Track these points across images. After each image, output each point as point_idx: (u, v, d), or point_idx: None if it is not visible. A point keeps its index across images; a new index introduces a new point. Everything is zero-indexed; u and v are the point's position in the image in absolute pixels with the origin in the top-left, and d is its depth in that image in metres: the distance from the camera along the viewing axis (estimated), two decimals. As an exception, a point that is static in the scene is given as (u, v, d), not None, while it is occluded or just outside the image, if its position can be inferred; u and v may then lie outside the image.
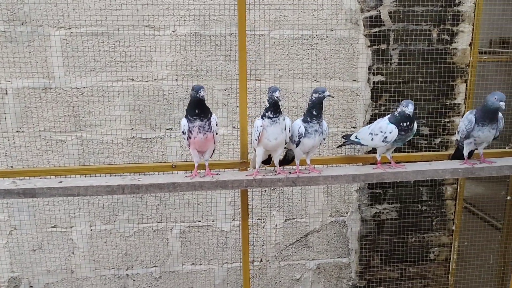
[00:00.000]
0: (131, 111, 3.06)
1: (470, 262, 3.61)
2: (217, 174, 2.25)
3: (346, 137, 2.47)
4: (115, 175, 2.50)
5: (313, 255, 3.47)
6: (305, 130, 2.12)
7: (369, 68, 3.20)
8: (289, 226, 3.39)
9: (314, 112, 2.11)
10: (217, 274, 3.41)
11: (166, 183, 2.14)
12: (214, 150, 2.24)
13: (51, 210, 3.14)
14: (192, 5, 2.96)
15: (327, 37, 3.12)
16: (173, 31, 3.00)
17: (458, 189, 3.44)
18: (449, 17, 3.19)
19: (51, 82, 2.96)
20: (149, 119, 3.08)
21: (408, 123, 2.16)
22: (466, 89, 3.29)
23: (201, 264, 3.38)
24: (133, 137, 3.10)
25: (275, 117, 2.06)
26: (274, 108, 2.05)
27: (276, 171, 2.24)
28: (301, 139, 2.13)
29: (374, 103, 3.25)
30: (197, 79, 3.06)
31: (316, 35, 3.11)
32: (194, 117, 2.07)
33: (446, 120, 3.34)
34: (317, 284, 3.52)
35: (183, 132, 2.12)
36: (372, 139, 2.24)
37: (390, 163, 2.32)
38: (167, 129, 3.12)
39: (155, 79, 3.04)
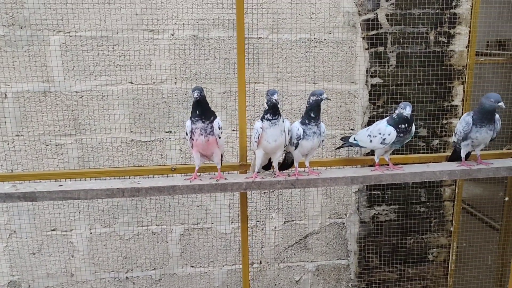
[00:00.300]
0: (130, 114, 3.07)
1: (469, 263, 3.62)
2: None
3: (345, 139, 2.48)
4: (114, 178, 2.50)
5: (312, 257, 3.47)
6: (304, 132, 2.13)
7: (367, 71, 3.22)
8: (288, 228, 3.39)
9: (312, 115, 2.13)
10: (216, 277, 3.41)
11: (166, 186, 2.14)
12: (222, 155, 2.22)
13: (51, 213, 3.14)
14: (191, 8, 2.98)
15: (325, 40, 3.14)
16: (172, 35, 3.01)
17: (456, 191, 3.45)
18: (446, 20, 3.21)
19: (51, 85, 2.97)
20: (149, 122, 3.09)
21: (406, 125, 2.17)
22: (463, 91, 3.31)
23: (200, 266, 3.38)
24: (133, 140, 3.11)
25: (274, 119, 2.07)
26: (273, 111, 2.06)
27: (275, 174, 2.25)
28: (299, 141, 2.14)
29: (372, 105, 3.27)
30: (196, 82, 3.07)
31: (314, 38, 3.13)
32: (196, 119, 2.09)
33: (444, 121, 3.35)
34: (316, 286, 3.52)
35: (186, 134, 2.14)
36: (371, 141, 2.25)
37: (388, 165, 2.33)
38: (166, 132, 3.12)
39: (154, 82, 3.05)
